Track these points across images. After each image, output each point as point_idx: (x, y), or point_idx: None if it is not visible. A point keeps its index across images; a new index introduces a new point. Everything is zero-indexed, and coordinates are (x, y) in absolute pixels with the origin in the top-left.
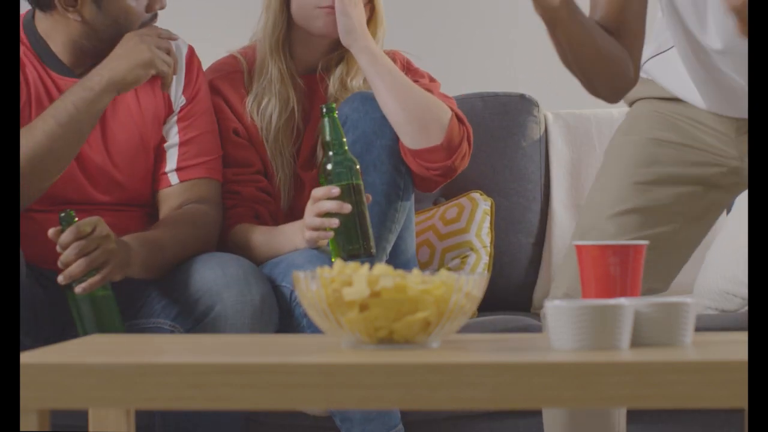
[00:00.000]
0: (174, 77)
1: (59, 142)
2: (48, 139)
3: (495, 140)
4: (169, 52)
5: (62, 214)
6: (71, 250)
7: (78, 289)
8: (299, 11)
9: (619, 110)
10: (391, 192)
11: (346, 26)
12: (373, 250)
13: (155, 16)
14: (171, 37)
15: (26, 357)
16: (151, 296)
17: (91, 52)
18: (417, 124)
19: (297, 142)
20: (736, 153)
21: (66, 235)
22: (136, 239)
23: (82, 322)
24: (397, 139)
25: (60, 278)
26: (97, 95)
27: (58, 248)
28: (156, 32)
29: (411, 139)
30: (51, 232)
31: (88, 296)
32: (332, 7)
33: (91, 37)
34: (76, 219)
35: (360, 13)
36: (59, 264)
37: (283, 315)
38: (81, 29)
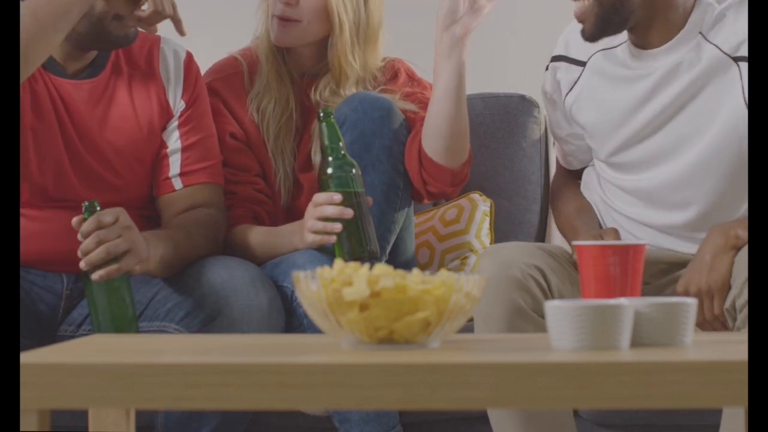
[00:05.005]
0: (172, 81)
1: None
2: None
3: (495, 141)
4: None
5: (86, 204)
6: (92, 239)
7: (95, 275)
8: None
9: None
10: (389, 192)
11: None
12: (377, 253)
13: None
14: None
15: (26, 357)
16: (157, 299)
17: (75, 42)
18: (453, 142)
19: (296, 141)
20: None
21: (88, 224)
22: (155, 235)
23: (96, 313)
24: (395, 139)
25: (82, 264)
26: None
27: (79, 236)
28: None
29: (439, 150)
30: (74, 220)
31: (105, 285)
32: (281, 18)
33: None
34: (99, 209)
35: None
36: (79, 252)
37: (285, 315)
38: None
